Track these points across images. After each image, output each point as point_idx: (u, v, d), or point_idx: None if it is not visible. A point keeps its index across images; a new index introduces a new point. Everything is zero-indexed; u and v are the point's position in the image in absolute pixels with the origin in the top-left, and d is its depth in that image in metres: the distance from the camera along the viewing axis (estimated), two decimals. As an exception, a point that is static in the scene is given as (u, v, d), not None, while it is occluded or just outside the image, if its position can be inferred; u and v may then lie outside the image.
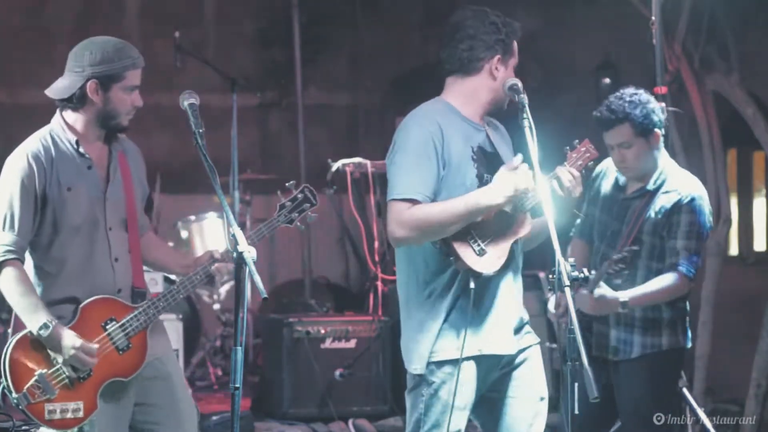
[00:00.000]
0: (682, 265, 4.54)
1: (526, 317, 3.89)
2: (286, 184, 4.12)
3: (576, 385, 3.45)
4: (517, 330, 3.84)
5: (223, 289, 8.53)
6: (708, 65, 6.73)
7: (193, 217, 8.14)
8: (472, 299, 3.71)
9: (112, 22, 9.66)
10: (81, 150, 3.97)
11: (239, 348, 3.46)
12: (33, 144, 3.97)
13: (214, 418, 6.28)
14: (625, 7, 6.55)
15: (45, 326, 3.82)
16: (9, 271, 3.87)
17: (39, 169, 3.91)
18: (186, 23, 8.59)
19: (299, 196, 4.09)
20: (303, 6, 9.64)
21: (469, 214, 3.67)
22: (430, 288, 3.79)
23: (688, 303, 4.76)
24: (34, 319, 3.84)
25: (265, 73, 10.10)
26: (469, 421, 3.88)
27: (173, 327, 6.47)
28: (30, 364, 3.88)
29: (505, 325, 3.80)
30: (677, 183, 4.65)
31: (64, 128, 4.00)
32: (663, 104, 5.32)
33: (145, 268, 4.14)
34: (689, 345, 4.75)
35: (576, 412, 3.48)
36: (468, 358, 3.76)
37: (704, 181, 6.61)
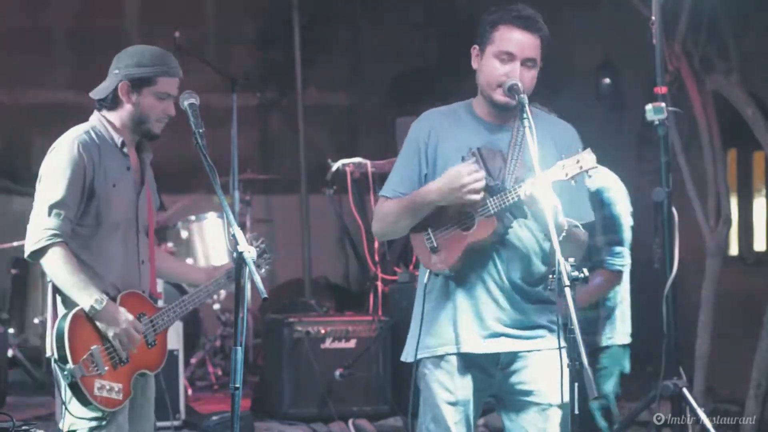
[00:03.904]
0: (607, 262, 4.70)
1: (530, 321, 3.81)
2: (251, 234, 4.37)
3: (576, 385, 3.45)
4: (511, 333, 3.80)
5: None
6: (708, 65, 6.73)
7: (193, 217, 8.14)
8: (424, 296, 3.85)
9: (112, 22, 9.67)
10: (125, 150, 4.06)
11: (239, 348, 3.49)
12: (80, 135, 3.99)
13: (214, 418, 6.27)
14: (625, 7, 6.55)
15: (99, 301, 3.89)
16: (56, 251, 3.90)
17: (89, 160, 3.95)
18: (186, 23, 8.57)
19: (261, 245, 4.30)
20: (303, 6, 9.64)
21: (413, 209, 3.79)
22: (420, 285, 3.91)
23: (616, 298, 4.86)
24: (86, 294, 3.90)
25: (265, 73, 10.10)
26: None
27: (173, 327, 6.45)
28: (87, 338, 3.94)
29: (485, 324, 3.79)
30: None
31: (107, 127, 4.06)
32: (663, 104, 5.33)
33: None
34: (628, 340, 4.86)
35: (576, 412, 3.47)
36: (447, 355, 3.82)
37: (704, 181, 6.65)
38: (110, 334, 3.94)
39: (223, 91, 6.90)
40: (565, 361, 3.47)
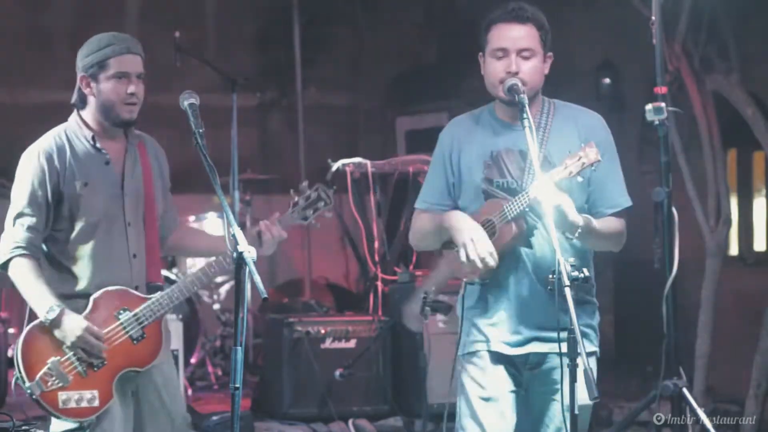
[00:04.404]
0: None
1: (563, 322, 3.65)
2: (300, 186, 4.19)
3: (575, 385, 3.44)
4: (542, 335, 3.79)
5: (223, 289, 8.54)
6: (708, 65, 6.73)
7: (193, 217, 8.14)
8: (462, 307, 3.88)
9: (112, 22, 9.65)
10: (98, 145, 4.01)
11: (239, 348, 3.45)
12: (46, 142, 4.00)
13: (214, 418, 6.27)
14: (625, 7, 6.54)
15: (51, 309, 3.86)
16: (17, 263, 3.93)
17: (51, 168, 3.94)
18: (186, 23, 8.56)
19: (313, 195, 4.14)
20: (303, 6, 9.65)
21: (436, 233, 3.86)
22: (460, 296, 3.94)
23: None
24: (41, 305, 3.88)
25: (265, 73, 10.10)
26: None
27: (173, 327, 6.45)
28: (42, 352, 3.89)
29: (517, 328, 3.80)
30: None
31: (80, 125, 4.04)
32: (663, 104, 5.33)
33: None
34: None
35: (576, 412, 3.47)
36: (480, 351, 3.83)
37: (704, 181, 6.65)
38: (67, 343, 3.89)
39: (223, 91, 6.89)
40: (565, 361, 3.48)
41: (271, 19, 10.22)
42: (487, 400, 3.82)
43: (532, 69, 3.77)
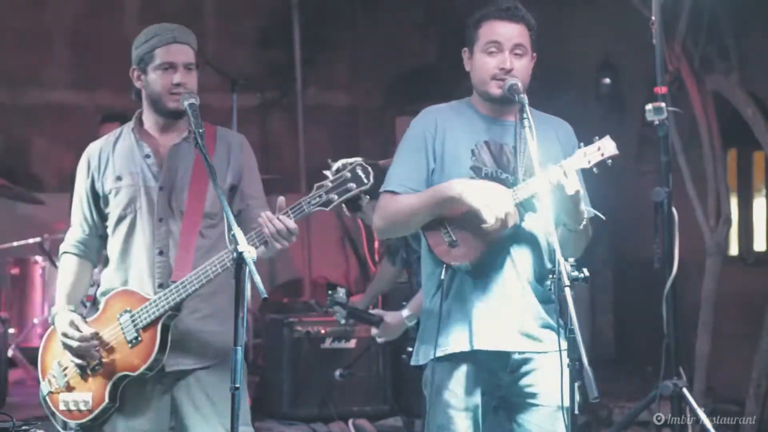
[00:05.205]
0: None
1: (543, 321, 3.75)
2: (341, 161, 3.94)
3: (576, 384, 3.44)
4: (524, 331, 3.74)
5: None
6: (708, 65, 6.73)
7: (193, 217, 8.12)
8: (443, 291, 3.73)
9: (112, 22, 9.66)
10: (137, 137, 3.95)
11: (239, 348, 3.42)
12: (95, 142, 4.05)
13: (214, 418, 6.26)
14: (625, 7, 6.55)
15: (52, 314, 3.94)
16: (62, 260, 4.04)
17: (88, 168, 3.98)
18: (186, 23, 8.56)
19: (346, 174, 3.66)
20: (303, 6, 9.65)
21: (434, 205, 3.69)
22: (431, 283, 3.81)
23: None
24: (55, 306, 3.95)
25: (265, 73, 10.10)
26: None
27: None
28: (53, 354, 3.95)
29: (500, 322, 3.72)
30: None
31: (133, 119, 4.01)
32: (663, 104, 5.33)
33: None
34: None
35: (576, 412, 3.47)
36: (459, 359, 3.73)
37: (704, 181, 6.66)
38: (63, 347, 3.89)
39: (223, 91, 6.91)
40: (566, 361, 3.47)
41: (271, 19, 10.22)
42: (464, 410, 3.73)
43: (523, 67, 3.77)
